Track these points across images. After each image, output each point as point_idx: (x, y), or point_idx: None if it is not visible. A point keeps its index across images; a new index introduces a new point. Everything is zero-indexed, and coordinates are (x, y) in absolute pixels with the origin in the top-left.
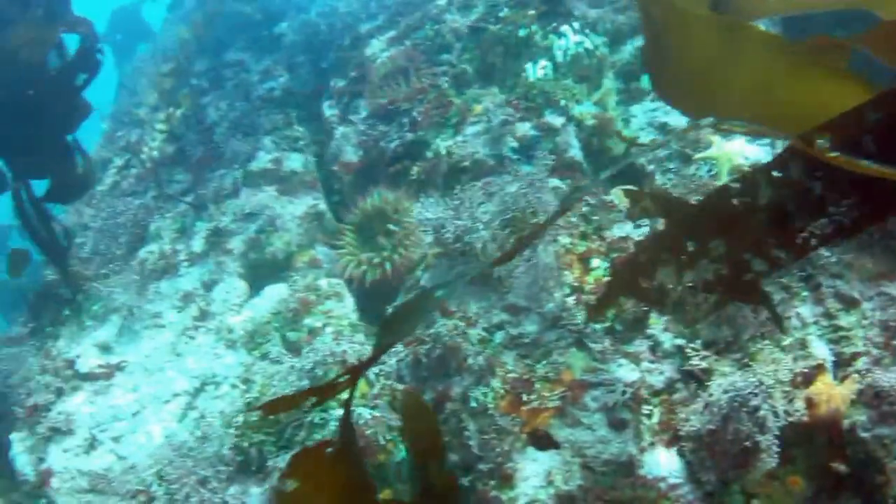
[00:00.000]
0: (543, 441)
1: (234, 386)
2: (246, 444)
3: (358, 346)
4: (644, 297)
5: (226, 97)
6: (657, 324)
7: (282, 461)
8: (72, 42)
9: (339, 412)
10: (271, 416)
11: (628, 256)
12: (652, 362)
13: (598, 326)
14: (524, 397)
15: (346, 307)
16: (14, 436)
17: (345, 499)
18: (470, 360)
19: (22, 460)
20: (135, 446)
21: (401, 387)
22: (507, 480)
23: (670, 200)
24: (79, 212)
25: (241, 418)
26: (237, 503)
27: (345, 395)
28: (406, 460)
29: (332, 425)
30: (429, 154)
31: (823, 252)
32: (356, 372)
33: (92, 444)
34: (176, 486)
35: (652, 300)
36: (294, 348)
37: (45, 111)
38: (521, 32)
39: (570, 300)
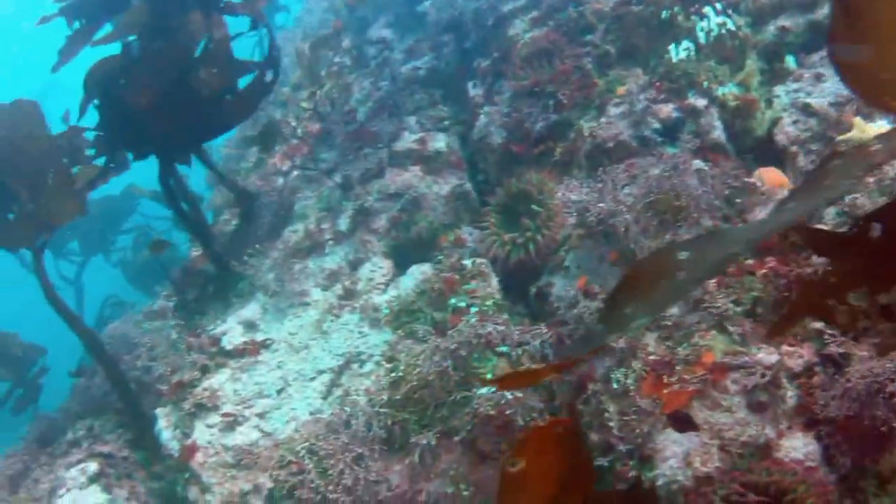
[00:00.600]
0: (683, 423)
1: (378, 364)
2: (390, 422)
3: (502, 328)
4: (831, 321)
5: (370, 76)
6: None
7: (424, 439)
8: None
9: (483, 391)
10: (415, 395)
11: (816, 277)
12: (791, 346)
13: (738, 309)
14: (665, 379)
15: (491, 287)
16: (159, 411)
17: (567, 482)
18: (611, 343)
19: (166, 435)
20: (280, 423)
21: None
22: (646, 461)
23: (821, 235)
24: (222, 191)
25: (385, 396)
26: (380, 479)
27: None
28: None
29: (474, 404)
30: (572, 135)
31: None
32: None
33: (237, 420)
34: (331, 462)
35: (841, 323)
36: (439, 328)
37: (225, 100)
38: (664, 14)
39: (712, 283)
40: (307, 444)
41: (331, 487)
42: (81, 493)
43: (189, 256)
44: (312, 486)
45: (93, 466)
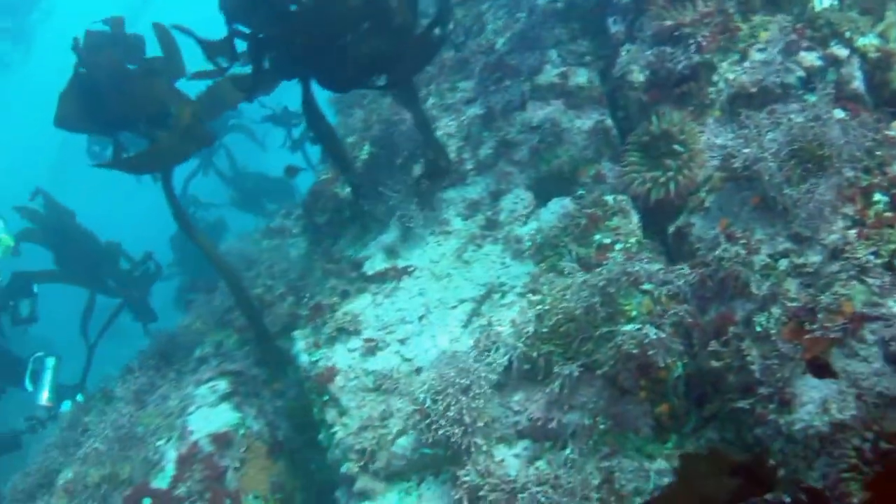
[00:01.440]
0: (822, 370)
1: (521, 295)
2: (535, 354)
3: (648, 266)
4: None
5: (504, 6)
6: None
7: (567, 370)
8: None
9: (627, 327)
10: (561, 329)
11: None
12: None
13: (877, 261)
14: (807, 326)
15: (632, 224)
16: (297, 333)
17: None
18: (753, 288)
19: (305, 359)
20: (420, 349)
21: (685, 308)
22: (785, 405)
23: None
24: (346, 112)
25: (531, 328)
26: (520, 409)
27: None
28: (682, 376)
29: (618, 339)
30: (714, 78)
31: None
32: None
33: (378, 346)
34: (440, 397)
35: None
36: (583, 263)
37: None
38: None
39: (852, 233)
40: (445, 371)
41: (460, 417)
42: (212, 411)
43: (319, 179)
44: (450, 414)
45: (223, 384)
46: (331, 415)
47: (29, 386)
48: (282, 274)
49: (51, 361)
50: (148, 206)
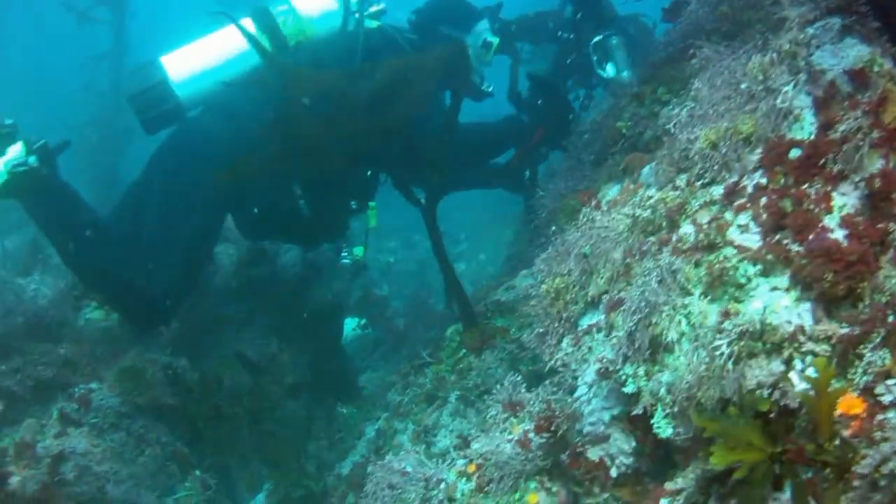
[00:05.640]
0: None
1: None
2: None
3: None
4: None
5: None
6: None
7: None
8: None
9: None
10: None
11: None
12: None
13: None
14: None
15: None
16: None
17: None
18: None
19: None
20: None
21: None
22: None
23: None
24: None
25: None
26: None
27: None
28: None
29: None
30: None
31: None
32: None
33: None
34: None
35: None
36: None
37: None
38: None
39: None
40: None
41: None
42: (837, 48)
43: None
44: None
45: (835, 20)
46: None
47: (601, 72)
48: None
49: (615, 40)
50: None
